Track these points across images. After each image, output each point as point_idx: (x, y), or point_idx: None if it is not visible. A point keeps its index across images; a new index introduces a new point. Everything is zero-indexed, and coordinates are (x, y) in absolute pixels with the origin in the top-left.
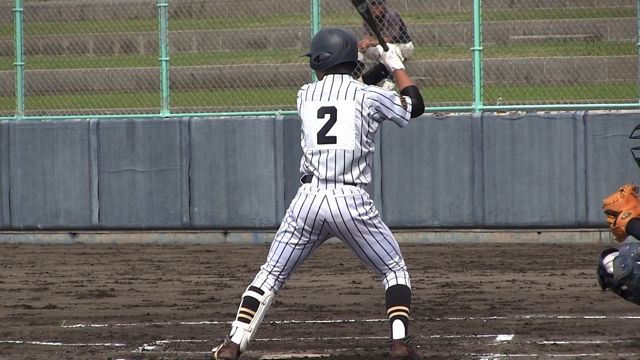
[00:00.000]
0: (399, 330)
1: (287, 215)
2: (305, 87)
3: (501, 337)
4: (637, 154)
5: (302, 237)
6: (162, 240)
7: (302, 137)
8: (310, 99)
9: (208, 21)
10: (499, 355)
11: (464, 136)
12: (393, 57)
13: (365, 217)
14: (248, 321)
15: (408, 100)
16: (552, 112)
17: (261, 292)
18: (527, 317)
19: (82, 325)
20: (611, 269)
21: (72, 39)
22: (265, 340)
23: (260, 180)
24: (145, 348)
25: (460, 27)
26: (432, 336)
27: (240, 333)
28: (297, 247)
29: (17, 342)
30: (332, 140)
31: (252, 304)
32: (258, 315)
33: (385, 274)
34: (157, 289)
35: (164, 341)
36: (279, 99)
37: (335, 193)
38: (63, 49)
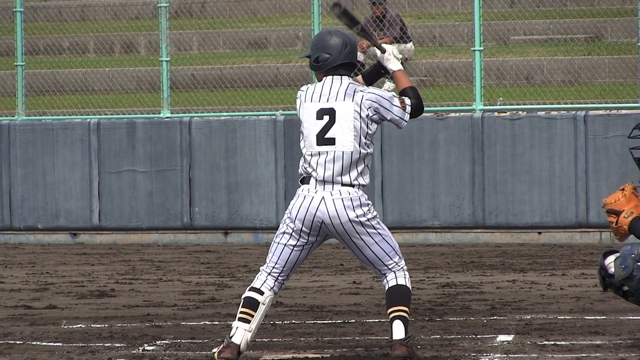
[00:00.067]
0: (398, 331)
1: (285, 216)
2: (304, 88)
3: (501, 338)
4: (636, 153)
5: (300, 239)
6: (163, 241)
7: (301, 138)
8: (310, 100)
9: (209, 21)
10: (499, 355)
11: (465, 136)
12: (390, 59)
13: (363, 219)
14: (248, 321)
15: (407, 101)
16: (553, 113)
17: (261, 293)
18: (528, 317)
19: (83, 326)
20: (612, 270)
21: (72, 39)
22: (266, 340)
23: (261, 181)
24: (146, 348)
25: (461, 28)
26: (432, 336)
27: (241, 333)
28: (295, 248)
29: (18, 342)
30: (331, 141)
31: (252, 304)
32: (258, 315)
33: (385, 274)
34: (157, 289)
35: (164, 341)
36: (280, 100)
37: (333, 195)
38: (63, 49)
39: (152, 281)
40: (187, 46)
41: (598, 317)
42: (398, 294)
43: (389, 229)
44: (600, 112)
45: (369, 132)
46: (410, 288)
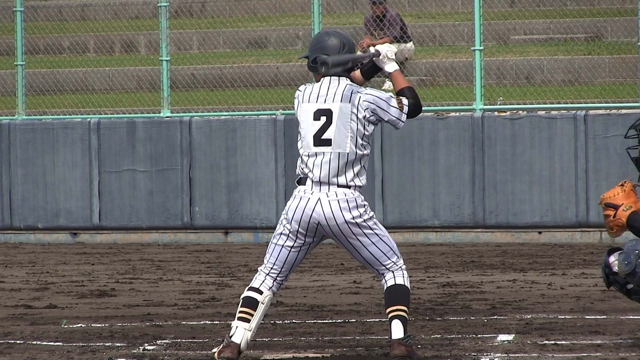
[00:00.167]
0: (397, 330)
1: (282, 217)
2: (302, 88)
3: (502, 337)
4: (632, 153)
5: (297, 240)
6: (163, 240)
7: (298, 138)
8: (307, 101)
9: (209, 21)
10: (499, 355)
11: (465, 136)
12: (385, 60)
13: (359, 220)
14: (248, 320)
15: (404, 101)
16: (553, 112)
17: (260, 292)
18: (528, 317)
19: (83, 325)
20: (616, 267)
21: (72, 38)
22: (266, 340)
23: (261, 180)
24: (146, 348)
25: (461, 27)
26: (432, 336)
27: (241, 332)
28: (292, 249)
29: (18, 342)
30: (328, 142)
31: (252, 303)
32: (258, 314)
33: (383, 274)
34: (157, 288)
35: (164, 341)
36: (280, 99)
37: (329, 196)
38: (64, 48)
39: (153, 281)
40: (187, 46)
41: (598, 317)
42: (396, 294)
43: (390, 228)
44: (601, 111)
45: (366, 133)
46: (409, 287)
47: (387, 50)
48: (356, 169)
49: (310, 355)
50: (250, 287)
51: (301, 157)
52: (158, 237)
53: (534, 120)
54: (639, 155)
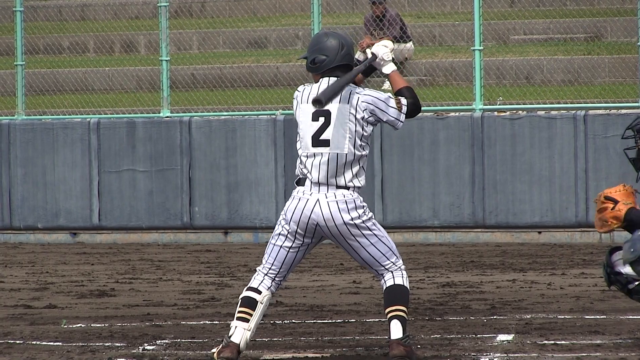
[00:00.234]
0: (396, 330)
1: (280, 218)
2: (301, 88)
3: (501, 337)
4: (630, 154)
5: (295, 240)
6: (163, 240)
7: (297, 139)
8: (306, 102)
9: (208, 21)
10: (499, 355)
11: (465, 136)
12: (382, 63)
13: (358, 221)
14: (247, 320)
15: (403, 101)
16: (553, 112)
17: (259, 292)
18: (528, 316)
19: (83, 325)
20: (619, 267)
21: (72, 38)
22: (266, 340)
23: (261, 180)
24: (146, 348)
25: (461, 27)
26: (432, 336)
27: (240, 332)
28: (291, 250)
29: (18, 341)
30: (326, 143)
31: (251, 303)
32: (257, 314)
33: (382, 274)
34: (157, 288)
35: (164, 341)
36: (280, 99)
37: (328, 197)
38: (63, 48)
39: (152, 280)
40: (187, 46)
41: (598, 317)
42: (395, 294)
43: (389, 228)
44: (600, 111)
45: (364, 134)
46: (409, 287)
47: (383, 53)
48: (355, 169)
49: (310, 355)
50: (249, 287)
51: (299, 158)
52: (158, 237)
53: (533, 120)
54: (636, 156)
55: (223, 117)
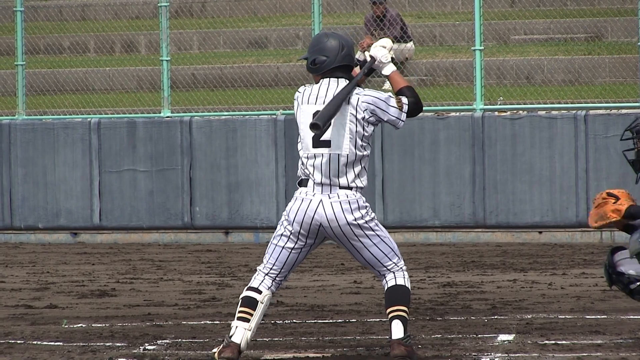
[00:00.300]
0: (397, 330)
1: (282, 218)
2: (301, 89)
3: (502, 337)
4: (629, 155)
5: (298, 241)
6: (163, 240)
7: (298, 140)
8: (306, 102)
9: (209, 21)
10: (500, 355)
11: (465, 136)
12: (381, 65)
13: (361, 221)
14: (248, 320)
15: (404, 100)
16: (553, 112)
17: (259, 292)
18: (528, 316)
19: (83, 325)
20: (621, 268)
21: (73, 38)
22: (267, 340)
23: (262, 180)
24: (147, 348)
25: (461, 27)
26: (433, 336)
27: (241, 332)
28: (293, 250)
29: (18, 341)
30: (327, 144)
31: (251, 303)
32: (257, 314)
33: (384, 275)
34: (158, 288)
35: (165, 341)
36: (280, 99)
37: (331, 197)
38: (64, 48)
39: (153, 280)
40: (187, 45)
41: (599, 317)
42: (397, 294)
43: (390, 228)
44: (601, 111)
45: (365, 134)
46: (410, 288)
47: (381, 55)
48: (357, 169)
49: (311, 355)
50: (249, 286)
51: (301, 159)
52: (158, 237)
53: (534, 120)
54: (635, 157)
55: (224, 117)
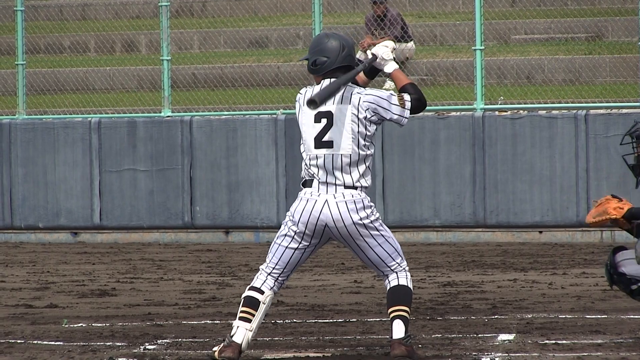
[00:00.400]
0: (398, 330)
1: (287, 218)
2: (303, 91)
3: (503, 337)
4: (629, 160)
5: (302, 242)
6: (164, 240)
7: (301, 142)
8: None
9: (209, 20)
10: (500, 354)
11: (466, 135)
12: (384, 62)
13: (366, 221)
14: (249, 320)
15: (406, 97)
16: (554, 112)
17: (261, 292)
18: (529, 316)
19: (84, 325)
20: (622, 268)
21: (73, 38)
22: (267, 339)
23: (262, 180)
24: (147, 347)
25: (462, 27)
26: (433, 335)
27: (242, 332)
28: (296, 251)
29: (19, 341)
30: (329, 144)
31: (253, 303)
32: (259, 314)
33: (387, 275)
34: (158, 288)
35: (165, 340)
36: (281, 99)
37: (336, 197)
38: (64, 48)
39: (153, 280)
40: (188, 45)
41: (599, 316)
42: (399, 294)
43: (390, 228)
44: (601, 111)
45: (368, 133)
46: (412, 288)
47: (382, 52)
48: (361, 169)
49: (311, 354)
50: (252, 286)
51: (304, 160)
52: (159, 236)
53: (534, 120)
54: (635, 162)
55: (224, 116)
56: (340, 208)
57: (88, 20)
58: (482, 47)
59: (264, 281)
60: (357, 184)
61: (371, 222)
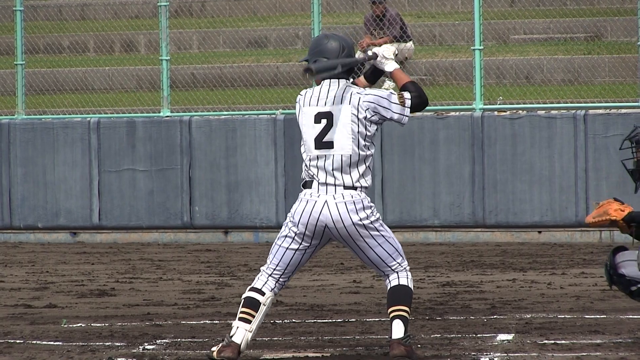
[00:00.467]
0: (398, 330)
1: (287, 220)
2: (303, 92)
3: (502, 337)
4: (628, 165)
5: (302, 243)
6: (163, 240)
7: (301, 143)
8: (308, 105)
9: (209, 20)
10: (499, 354)
11: (465, 135)
12: (384, 61)
13: (366, 222)
14: (249, 321)
15: (406, 95)
16: (553, 112)
17: (262, 293)
18: (528, 316)
19: (83, 325)
20: (622, 270)
21: (72, 38)
22: (266, 339)
23: (261, 180)
24: (146, 347)
25: (461, 27)
26: (432, 335)
27: (241, 333)
28: (297, 252)
29: (18, 341)
30: (329, 145)
31: (253, 304)
32: (259, 316)
33: (387, 275)
34: (157, 288)
35: (164, 340)
36: (280, 99)
37: (336, 198)
38: (64, 48)
39: (152, 280)
40: (187, 45)
41: (598, 316)
42: (400, 294)
43: (390, 228)
44: (600, 111)
45: (368, 133)
46: (412, 288)
47: (383, 50)
48: (361, 169)
49: (310, 354)
50: (253, 287)
51: (304, 161)
52: (158, 236)
53: (533, 120)
54: (634, 167)
55: (223, 116)
56: (340, 209)
57: (87, 20)
58: (481, 47)
59: (265, 282)
60: (357, 184)
61: (371, 222)
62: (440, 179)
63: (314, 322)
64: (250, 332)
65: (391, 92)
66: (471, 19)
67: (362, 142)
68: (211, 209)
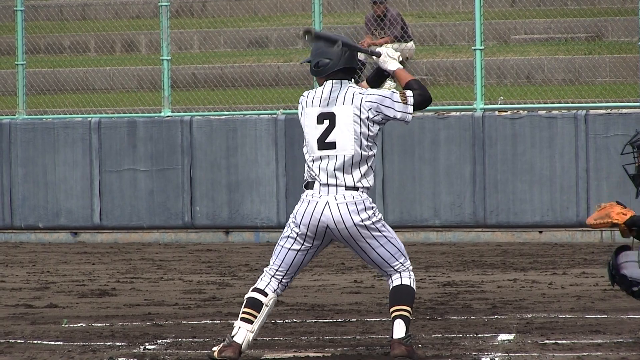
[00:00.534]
0: (399, 330)
1: (290, 220)
2: (306, 93)
3: (502, 337)
4: (629, 170)
5: (304, 243)
6: (164, 240)
7: (304, 144)
8: (310, 105)
9: (209, 20)
10: (500, 354)
11: (466, 135)
12: (387, 60)
13: (368, 222)
14: (251, 322)
15: (408, 93)
16: (554, 112)
17: (265, 294)
18: (529, 316)
19: (84, 325)
20: (625, 270)
21: (73, 38)
22: (267, 339)
23: (262, 180)
24: (147, 347)
25: (462, 27)
26: (433, 335)
27: (243, 333)
28: (299, 252)
29: (19, 341)
30: (332, 145)
31: (256, 305)
32: (261, 316)
33: (390, 274)
34: (158, 288)
35: (165, 340)
36: (281, 99)
37: (337, 199)
38: (64, 48)
39: (153, 280)
40: (188, 45)
41: (599, 316)
42: (402, 294)
43: (391, 228)
44: (601, 111)
45: (370, 134)
46: (415, 288)
47: (386, 49)
48: (363, 169)
49: (311, 354)
50: (255, 288)
51: (307, 162)
52: (159, 236)
53: (534, 120)
54: (635, 172)
55: (224, 116)
56: (341, 210)
57: (88, 20)
58: (482, 47)
59: (268, 283)
60: (359, 185)
61: (373, 223)
62: (441, 179)
63: (315, 322)
64: (252, 332)
65: (393, 91)
66: (472, 19)
67: (364, 142)
68: (212, 209)
